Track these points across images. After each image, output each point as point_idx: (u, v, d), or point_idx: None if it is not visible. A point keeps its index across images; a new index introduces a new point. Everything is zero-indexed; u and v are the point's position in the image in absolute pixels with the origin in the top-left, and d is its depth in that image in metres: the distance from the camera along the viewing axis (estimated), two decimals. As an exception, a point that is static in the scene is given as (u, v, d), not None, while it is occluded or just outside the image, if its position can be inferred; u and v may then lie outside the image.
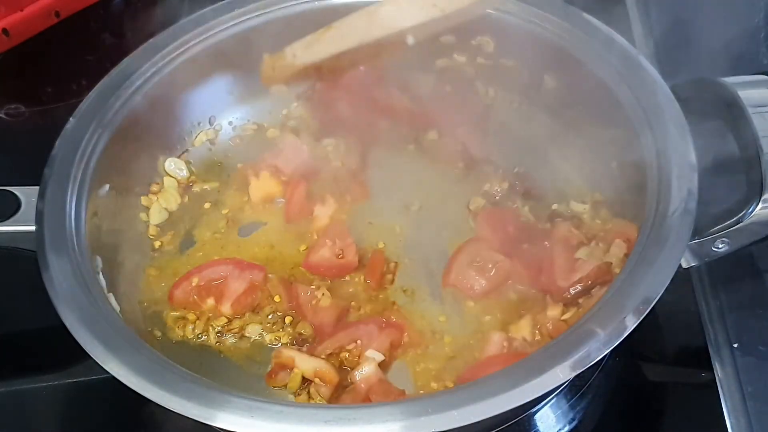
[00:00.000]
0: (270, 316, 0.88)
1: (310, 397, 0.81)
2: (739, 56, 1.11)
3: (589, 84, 0.90)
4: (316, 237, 0.94)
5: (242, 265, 0.90)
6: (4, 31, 1.24)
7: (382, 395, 0.78)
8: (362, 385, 0.80)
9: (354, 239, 0.91)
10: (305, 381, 0.82)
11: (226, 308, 0.88)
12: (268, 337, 0.87)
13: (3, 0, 1.24)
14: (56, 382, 0.89)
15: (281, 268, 0.93)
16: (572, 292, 0.83)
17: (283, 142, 1.01)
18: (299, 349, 0.84)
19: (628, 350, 0.86)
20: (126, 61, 0.95)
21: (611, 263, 0.82)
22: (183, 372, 0.69)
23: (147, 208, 0.97)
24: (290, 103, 1.08)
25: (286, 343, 0.86)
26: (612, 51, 0.89)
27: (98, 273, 0.80)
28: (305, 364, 0.81)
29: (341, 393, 0.81)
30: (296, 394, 0.81)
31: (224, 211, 1.00)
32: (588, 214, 0.92)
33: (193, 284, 0.89)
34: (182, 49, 0.97)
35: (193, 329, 0.87)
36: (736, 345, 0.85)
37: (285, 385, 0.82)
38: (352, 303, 0.89)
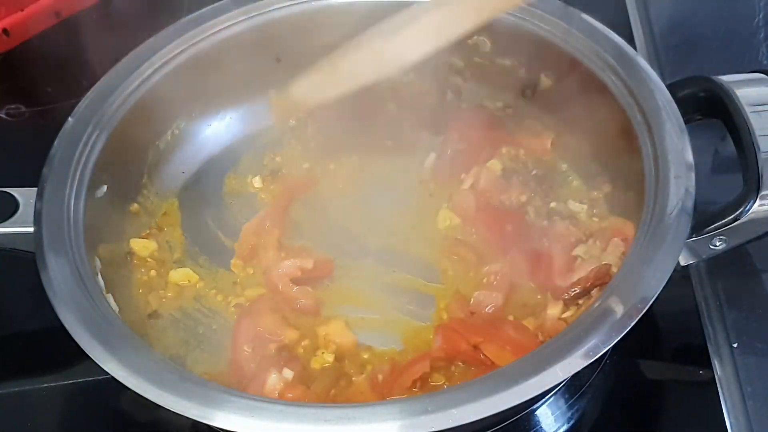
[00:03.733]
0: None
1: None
2: (738, 56, 1.11)
3: (586, 84, 0.90)
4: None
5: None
6: (4, 31, 1.24)
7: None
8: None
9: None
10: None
11: None
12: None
13: (3, 0, 1.24)
14: (55, 383, 0.89)
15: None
16: (571, 292, 0.83)
17: None
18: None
19: (627, 349, 0.85)
20: (125, 60, 0.95)
21: (610, 265, 0.82)
22: (182, 372, 0.69)
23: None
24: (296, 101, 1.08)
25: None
26: (609, 51, 0.89)
27: (97, 274, 0.80)
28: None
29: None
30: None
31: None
32: (586, 212, 0.92)
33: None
34: (181, 49, 0.97)
35: None
36: (735, 344, 0.85)
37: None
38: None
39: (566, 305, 0.83)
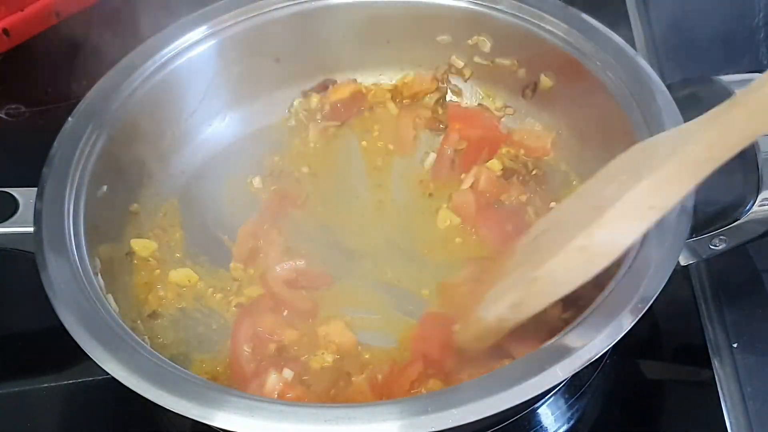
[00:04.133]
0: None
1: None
2: (739, 56, 1.11)
3: (586, 84, 0.90)
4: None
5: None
6: (5, 31, 1.24)
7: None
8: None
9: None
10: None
11: None
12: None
13: (3, 0, 1.24)
14: (55, 383, 0.89)
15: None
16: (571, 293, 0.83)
17: None
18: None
19: (627, 349, 0.86)
20: (125, 60, 0.96)
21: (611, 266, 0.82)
22: (182, 372, 0.69)
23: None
24: (293, 101, 1.09)
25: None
26: (610, 51, 0.89)
27: (97, 274, 0.80)
28: None
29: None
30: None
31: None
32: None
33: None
34: (181, 49, 0.97)
35: None
36: (735, 344, 0.85)
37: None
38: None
39: (566, 305, 0.83)
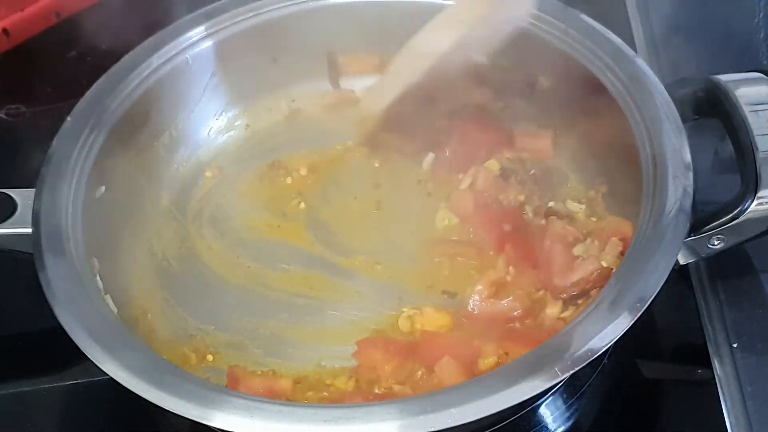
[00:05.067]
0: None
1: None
2: (738, 56, 1.11)
3: (584, 84, 0.90)
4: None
5: None
6: (4, 31, 1.24)
7: None
8: None
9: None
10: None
11: None
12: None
13: (3, 0, 1.24)
14: (54, 384, 0.89)
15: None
16: (571, 292, 0.83)
17: None
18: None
19: (627, 349, 0.85)
20: (124, 60, 0.96)
21: (612, 269, 0.82)
22: (181, 372, 0.69)
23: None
24: (291, 101, 1.09)
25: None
26: (608, 51, 0.90)
27: (95, 275, 0.81)
28: None
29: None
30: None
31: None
32: (584, 212, 0.92)
33: None
34: (180, 49, 0.98)
35: None
36: (735, 344, 0.85)
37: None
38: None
39: (565, 305, 0.83)
